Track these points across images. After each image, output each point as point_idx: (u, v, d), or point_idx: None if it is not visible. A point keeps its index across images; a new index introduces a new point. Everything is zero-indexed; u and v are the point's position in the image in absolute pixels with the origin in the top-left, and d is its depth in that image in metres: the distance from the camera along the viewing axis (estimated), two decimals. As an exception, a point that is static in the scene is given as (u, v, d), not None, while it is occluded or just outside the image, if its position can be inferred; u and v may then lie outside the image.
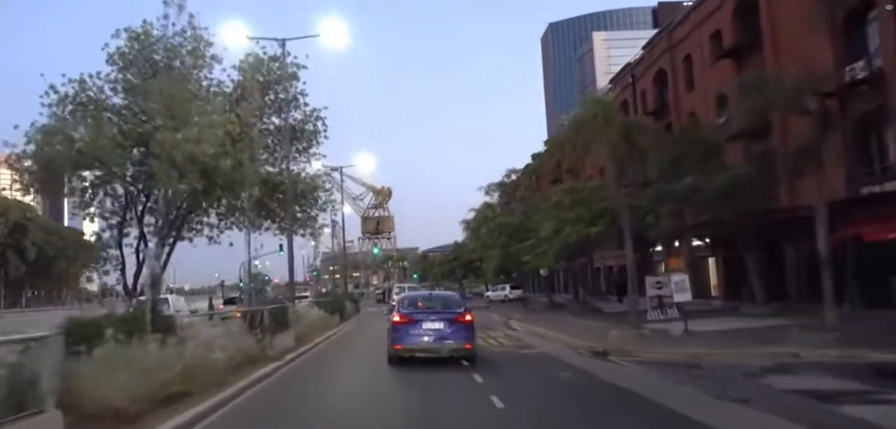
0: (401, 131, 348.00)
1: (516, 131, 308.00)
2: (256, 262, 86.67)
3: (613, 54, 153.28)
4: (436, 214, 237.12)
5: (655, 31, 47.85)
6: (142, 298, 13.87)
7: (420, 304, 14.56)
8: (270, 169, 18.44)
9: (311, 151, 18.91)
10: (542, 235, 27.33)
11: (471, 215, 51.50)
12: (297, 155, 18.91)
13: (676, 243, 31.91)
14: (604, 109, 20.56)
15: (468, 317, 13.68)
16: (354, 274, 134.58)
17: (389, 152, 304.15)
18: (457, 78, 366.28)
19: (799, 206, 20.06)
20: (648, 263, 44.54)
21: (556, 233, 25.83)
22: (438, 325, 13.34)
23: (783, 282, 23.89)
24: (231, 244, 18.15)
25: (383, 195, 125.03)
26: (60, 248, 68.88)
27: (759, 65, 24.06)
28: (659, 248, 36.78)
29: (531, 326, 23.18)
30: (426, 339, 13.25)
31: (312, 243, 26.22)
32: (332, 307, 26.70)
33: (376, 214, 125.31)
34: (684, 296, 17.10)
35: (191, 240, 16.94)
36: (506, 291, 55.68)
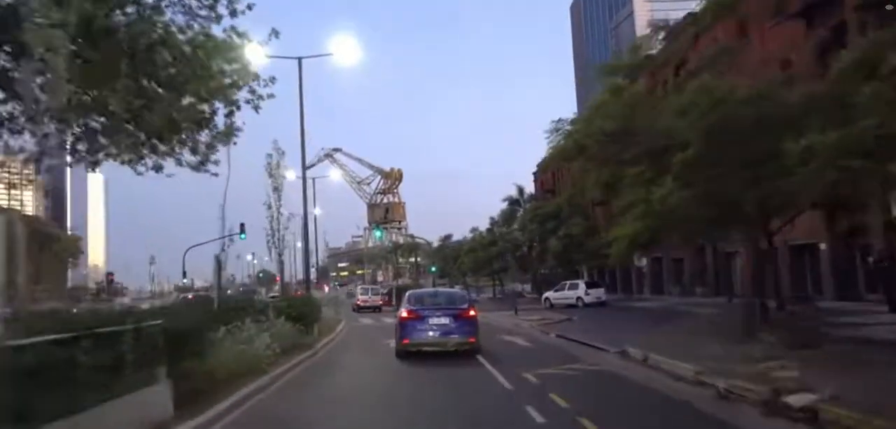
0: (412, 119, 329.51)
1: (542, 117, 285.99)
2: (251, 256, 67.83)
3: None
4: (449, 210, 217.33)
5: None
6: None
7: (426, 300, 14.96)
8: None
9: None
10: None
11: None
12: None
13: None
14: None
15: (472, 312, 14.19)
16: (359, 271, 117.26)
17: (399, 142, 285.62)
18: (470, 63, 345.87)
19: None
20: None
21: None
22: (444, 320, 13.73)
23: None
24: None
25: (393, 178, 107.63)
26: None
27: None
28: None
29: None
30: (432, 334, 13.63)
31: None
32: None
33: (385, 201, 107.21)
34: None
35: None
36: (579, 292, 35.60)
